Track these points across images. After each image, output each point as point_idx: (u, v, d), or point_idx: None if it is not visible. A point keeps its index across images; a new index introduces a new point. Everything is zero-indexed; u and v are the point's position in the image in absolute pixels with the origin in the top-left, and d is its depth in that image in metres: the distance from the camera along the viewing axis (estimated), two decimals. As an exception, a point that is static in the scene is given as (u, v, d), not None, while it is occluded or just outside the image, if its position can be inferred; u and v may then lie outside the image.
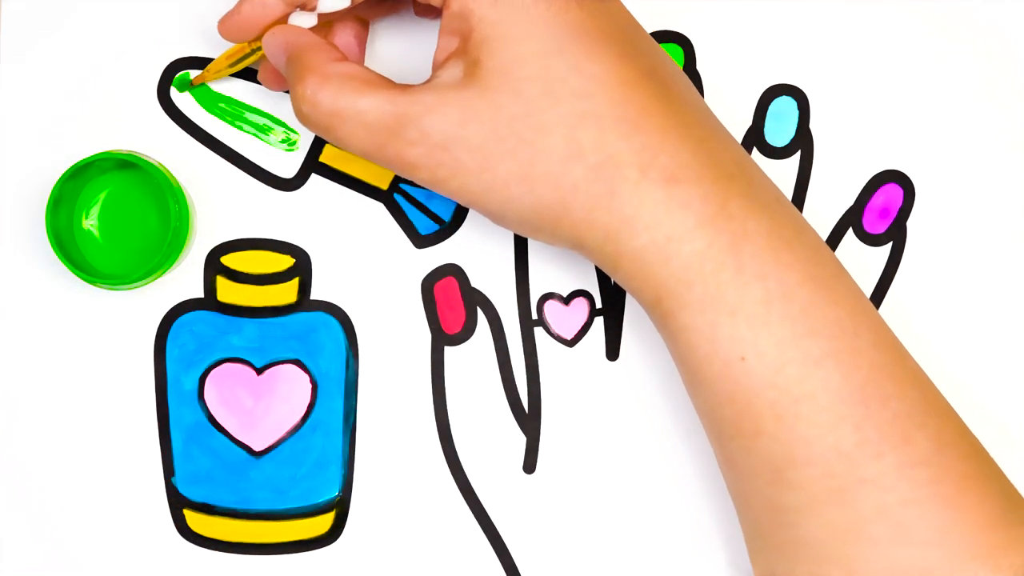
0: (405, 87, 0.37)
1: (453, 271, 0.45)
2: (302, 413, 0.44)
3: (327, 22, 0.42)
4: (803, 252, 0.36)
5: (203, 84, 0.44)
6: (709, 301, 0.35)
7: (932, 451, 0.35)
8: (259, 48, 0.41)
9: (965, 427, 0.37)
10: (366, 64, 0.44)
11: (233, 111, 0.45)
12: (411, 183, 0.45)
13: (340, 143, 0.37)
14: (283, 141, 0.45)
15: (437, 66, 0.38)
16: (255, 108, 0.45)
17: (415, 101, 0.36)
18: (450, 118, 0.36)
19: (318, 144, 0.45)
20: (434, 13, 0.43)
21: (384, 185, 0.45)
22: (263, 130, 0.45)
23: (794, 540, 0.36)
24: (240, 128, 0.45)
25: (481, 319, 0.45)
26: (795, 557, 0.36)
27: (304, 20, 0.40)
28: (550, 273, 0.45)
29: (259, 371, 0.44)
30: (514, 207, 0.36)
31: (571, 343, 0.45)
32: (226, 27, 0.41)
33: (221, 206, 0.45)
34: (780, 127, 0.45)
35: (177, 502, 0.44)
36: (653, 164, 0.35)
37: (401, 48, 0.45)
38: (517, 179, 0.36)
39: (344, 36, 0.42)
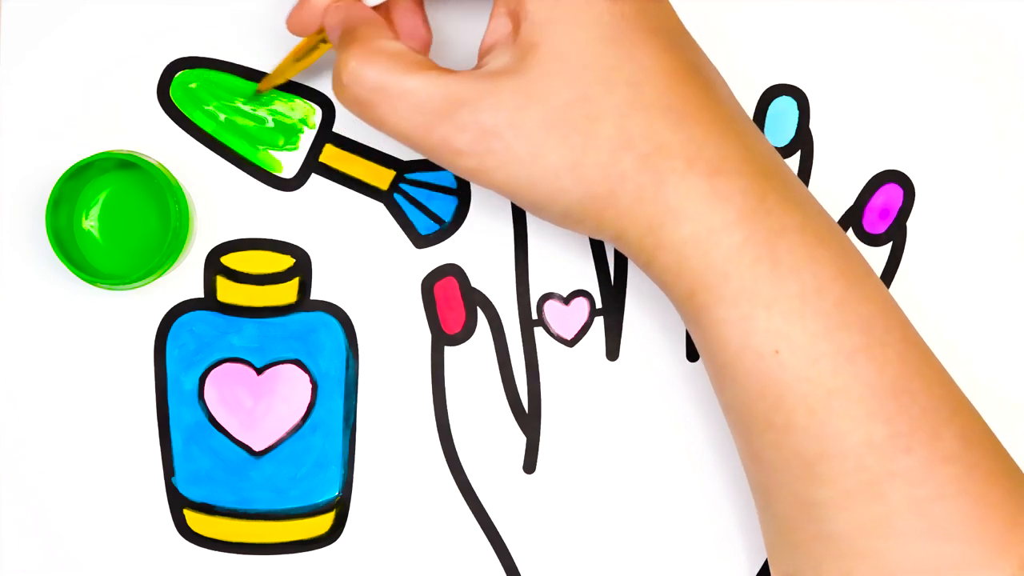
0: (454, 71, 0.36)
1: (453, 271, 0.45)
2: (302, 413, 0.44)
3: (387, 7, 0.41)
4: (835, 249, 0.36)
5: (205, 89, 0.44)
6: (745, 294, 0.35)
7: (959, 447, 0.35)
8: (326, 39, 0.40)
9: (987, 426, 0.38)
10: None
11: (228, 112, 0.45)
12: (413, 183, 0.45)
13: (380, 123, 0.36)
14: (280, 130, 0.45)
15: (485, 50, 0.37)
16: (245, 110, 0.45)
17: (469, 86, 0.35)
18: (505, 104, 0.35)
19: (318, 144, 0.45)
20: None
21: (384, 185, 0.45)
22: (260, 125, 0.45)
23: (822, 535, 0.36)
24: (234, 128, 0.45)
25: (481, 319, 0.45)
26: (822, 553, 0.36)
27: None
28: (550, 273, 0.45)
29: (259, 371, 0.44)
30: (561, 198, 0.36)
31: (571, 343, 0.45)
32: (294, 21, 0.40)
33: (221, 206, 0.45)
34: (780, 127, 0.45)
35: (177, 502, 0.44)
36: (699, 156, 0.35)
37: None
38: (568, 168, 0.35)
39: (408, 19, 0.41)
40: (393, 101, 0.36)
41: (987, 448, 0.36)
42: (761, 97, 0.45)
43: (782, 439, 0.36)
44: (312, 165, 0.45)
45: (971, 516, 0.35)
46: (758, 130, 0.38)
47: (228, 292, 0.45)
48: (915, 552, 0.35)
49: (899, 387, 0.35)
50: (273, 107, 0.45)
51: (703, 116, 0.36)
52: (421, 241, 0.45)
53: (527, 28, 0.36)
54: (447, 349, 0.45)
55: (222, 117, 0.45)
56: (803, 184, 0.38)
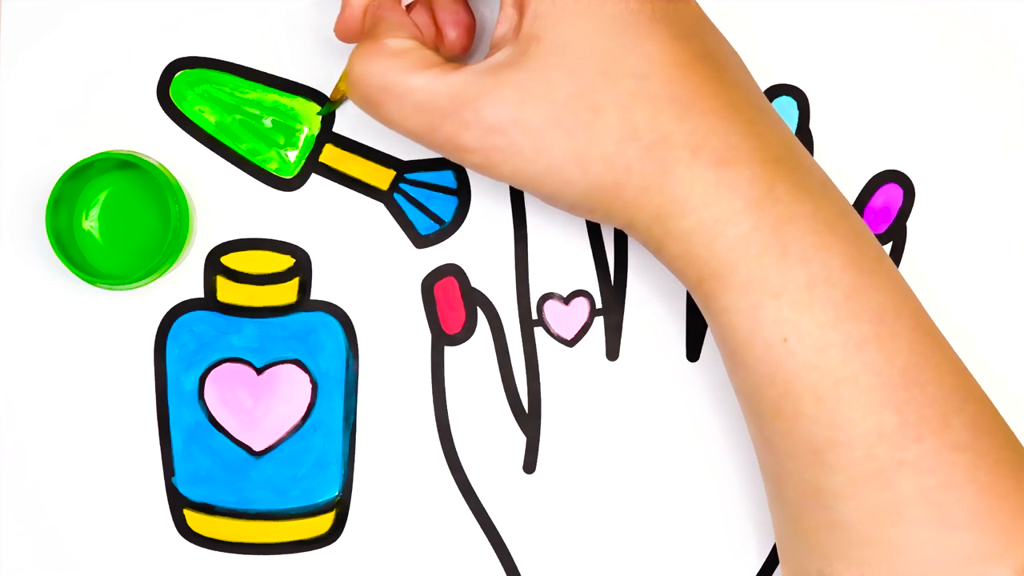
0: (459, 67, 0.36)
1: (453, 271, 0.45)
2: (302, 413, 0.44)
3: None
4: (847, 236, 0.36)
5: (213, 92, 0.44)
6: (752, 283, 0.35)
7: (970, 436, 0.35)
8: None
9: (999, 415, 0.38)
10: None
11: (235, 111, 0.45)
12: (413, 183, 0.45)
13: (387, 121, 0.37)
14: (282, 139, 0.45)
15: (495, 43, 0.38)
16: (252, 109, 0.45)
17: (471, 83, 0.36)
18: (507, 100, 0.35)
19: (318, 144, 0.45)
20: None
21: (384, 185, 0.45)
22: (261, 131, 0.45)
23: (832, 523, 0.36)
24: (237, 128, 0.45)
25: (481, 319, 0.45)
26: (832, 541, 0.36)
27: None
28: (550, 273, 0.45)
29: (259, 371, 0.44)
30: (569, 190, 0.36)
31: (571, 343, 0.45)
32: (339, 27, 0.40)
33: (221, 206, 0.45)
34: (780, 127, 0.45)
35: (177, 502, 0.44)
36: (704, 145, 0.35)
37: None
38: (572, 161, 0.35)
39: (449, 7, 0.41)
40: (397, 100, 0.36)
41: (998, 437, 0.36)
42: (761, 97, 0.45)
43: (791, 426, 0.36)
44: (312, 165, 0.45)
45: (980, 505, 0.35)
46: (775, 115, 0.38)
47: (228, 292, 0.45)
48: (925, 540, 0.35)
49: (909, 376, 0.35)
50: (273, 107, 0.45)
51: (710, 105, 0.36)
52: (421, 241, 0.45)
53: (530, 20, 0.36)
54: (447, 349, 0.45)
55: (225, 119, 0.45)
56: (820, 169, 0.38)
